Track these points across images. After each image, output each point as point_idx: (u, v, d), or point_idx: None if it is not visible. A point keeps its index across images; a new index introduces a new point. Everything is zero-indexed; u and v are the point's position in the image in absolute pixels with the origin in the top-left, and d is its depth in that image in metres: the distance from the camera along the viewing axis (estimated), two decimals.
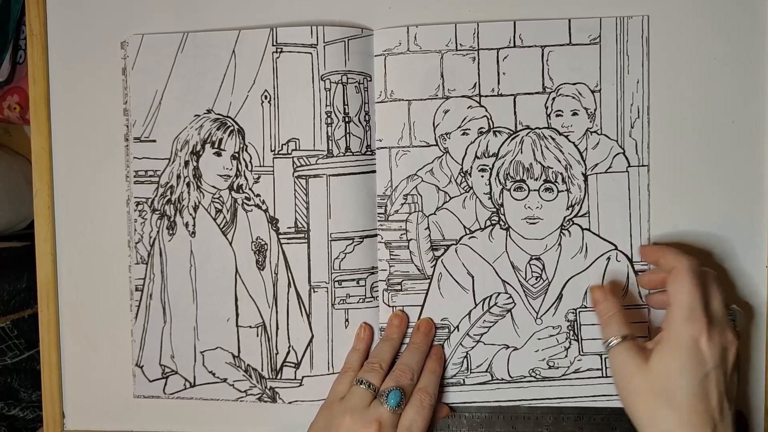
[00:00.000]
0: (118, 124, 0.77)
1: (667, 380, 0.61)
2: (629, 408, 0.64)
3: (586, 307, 0.73)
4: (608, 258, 0.73)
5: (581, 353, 0.73)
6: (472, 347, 0.75)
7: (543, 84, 0.73)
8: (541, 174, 0.73)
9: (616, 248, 0.73)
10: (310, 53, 0.74)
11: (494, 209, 0.74)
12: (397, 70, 0.75)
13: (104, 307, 0.79)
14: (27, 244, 0.93)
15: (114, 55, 0.78)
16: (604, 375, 0.73)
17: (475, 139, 0.74)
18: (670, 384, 0.61)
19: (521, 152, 0.73)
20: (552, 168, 0.73)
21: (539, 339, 0.74)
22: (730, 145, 0.73)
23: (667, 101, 0.73)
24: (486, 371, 0.75)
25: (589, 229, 0.73)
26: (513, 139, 0.73)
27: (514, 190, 0.73)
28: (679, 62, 0.73)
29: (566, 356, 0.74)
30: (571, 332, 0.73)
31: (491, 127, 0.74)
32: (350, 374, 0.72)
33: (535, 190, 0.73)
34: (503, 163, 0.74)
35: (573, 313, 0.73)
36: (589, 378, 0.74)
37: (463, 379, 0.75)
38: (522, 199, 0.73)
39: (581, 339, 0.73)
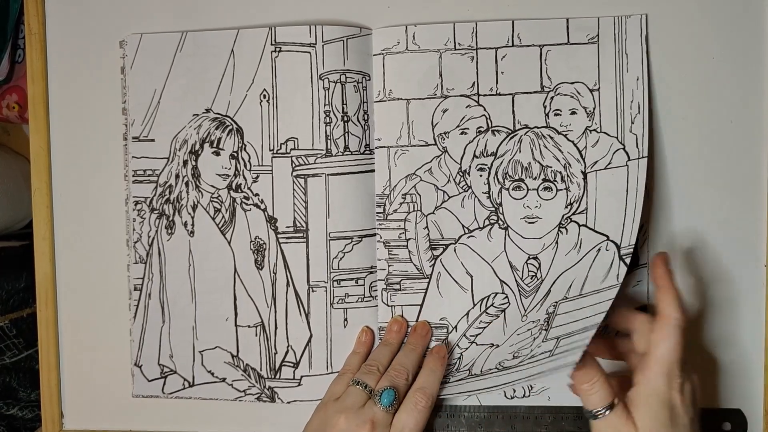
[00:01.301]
0: (117, 124, 0.77)
1: None
2: None
3: (567, 298, 0.72)
4: (598, 249, 0.73)
5: (544, 340, 0.72)
6: (467, 348, 0.75)
7: (541, 83, 0.73)
8: (540, 173, 0.73)
9: (608, 238, 0.72)
10: (309, 52, 0.74)
11: (493, 209, 0.74)
12: (396, 70, 0.75)
13: (103, 306, 0.79)
14: (26, 243, 0.93)
15: (113, 55, 0.78)
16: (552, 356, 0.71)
17: (474, 138, 0.74)
18: None
19: (520, 151, 0.73)
20: (551, 167, 0.73)
21: (518, 334, 0.73)
22: (729, 144, 0.73)
23: (666, 101, 0.73)
24: (466, 368, 0.75)
25: (585, 225, 0.73)
26: (511, 138, 0.73)
27: (513, 189, 0.73)
28: (677, 61, 0.73)
29: (530, 345, 0.73)
30: (545, 323, 0.73)
31: (490, 126, 0.74)
32: (348, 375, 0.72)
33: (533, 189, 0.73)
34: (502, 163, 0.74)
35: (554, 306, 0.73)
36: (540, 360, 0.71)
37: (449, 378, 0.75)
38: (521, 199, 0.73)
39: (550, 328, 0.72)
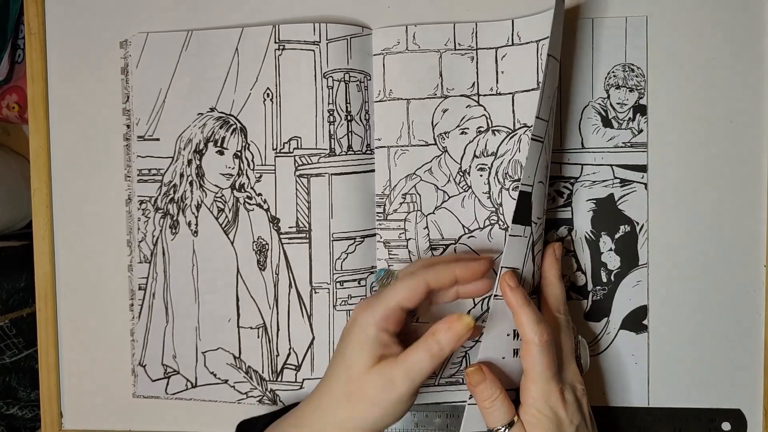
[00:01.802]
0: (117, 124, 0.77)
1: None
2: None
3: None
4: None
5: None
6: (471, 347, 0.75)
7: (537, 80, 0.72)
8: None
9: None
10: (313, 51, 0.74)
11: (493, 209, 0.74)
12: (396, 70, 0.74)
13: (103, 306, 0.79)
14: (25, 243, 0.93)
15: (113, 55, 0.78)
16: None
17: (474, 138, 0.74)
18: None
19: (519, 151, 0.73)
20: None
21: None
22: (729, 145, 0.73)
23: (666, 101, 0.73)
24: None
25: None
26: (511, 138, 0.73)
27: (513, 189, 0.73)
28: (677, 62, 0.73)
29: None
30: None
31: (490, 126, 0.74)
32: None
33: None
34: (502, 163, 0.74)
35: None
36: None
37: (462, 379, 0.75)
38: None
39: None
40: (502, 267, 0.62)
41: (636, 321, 0.74)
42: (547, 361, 0.61)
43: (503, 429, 0.61)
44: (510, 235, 0.61)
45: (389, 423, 0.62)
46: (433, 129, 0.74)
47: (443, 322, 0.61)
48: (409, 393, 0.61)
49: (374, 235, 0.75)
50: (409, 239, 0.75)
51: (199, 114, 0.76)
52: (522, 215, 0.63)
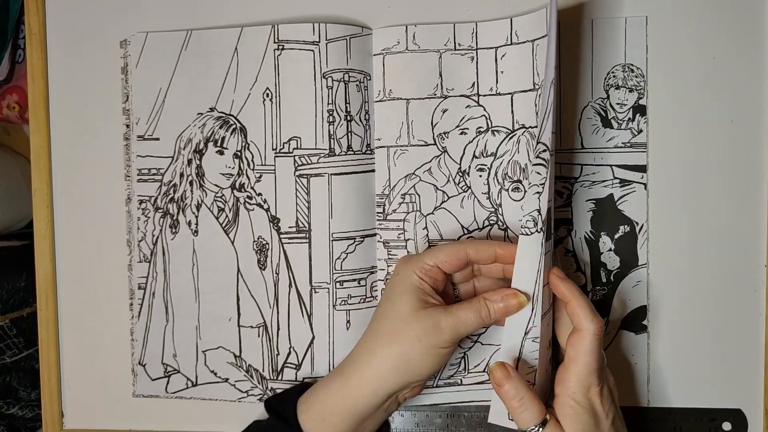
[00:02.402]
0: (117, 124, 0.77)
1: None
2: None
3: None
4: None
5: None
6: (470, 347, 0.75)
7: (533, 80, 0.72)
8: None
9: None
10: (312, 51, 0.74)
11: (493, 209, 0.74)
12: (396, 70, 0.75)
13: (103, 306, 0.79)
14: (26, 243, 0.93)
15: (113, 55, 0.78)
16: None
17: (474, 138, 0.74)
18: None
19: (518, 152, 0.73)
20: None
21: None
22: (729, 145, 0.73)
23: (666, 101, 0.73)
24: (483, 371, 0.75)
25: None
26: (510, 138, 0.73)
27: (512, 190, 0.73)
28: (677, 62, 0.73)
29: None
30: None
31: (489, 126, 0.74)
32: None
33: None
34: (501, 163, 0.73)
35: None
36: None
37: (461, 380, 0.75)
38: (519, 200, 0.73)
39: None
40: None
41: (636, 321, 0.75)
42: (597, 353, 0.62)
43: (536, 429, 0.61)
44: (544, 253, 0.61)
45: (426, 371, 0.64)
46: (432, 129, 0.74)
47: (497, 293, 0.63)
48: (452, 342, 0.63)
49: (374, 235, 0.75)
50: (408, 239, 0.75)
51: (198, 114, 0.76)
52: (549, 231, 0.64)
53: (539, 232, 0.61)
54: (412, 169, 0.75)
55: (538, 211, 0.61)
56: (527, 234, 0.61)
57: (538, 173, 0.61)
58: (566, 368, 0.63)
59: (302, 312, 0.75)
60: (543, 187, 0.61)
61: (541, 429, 0.61)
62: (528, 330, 0.63)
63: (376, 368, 0.64)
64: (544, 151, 0.61)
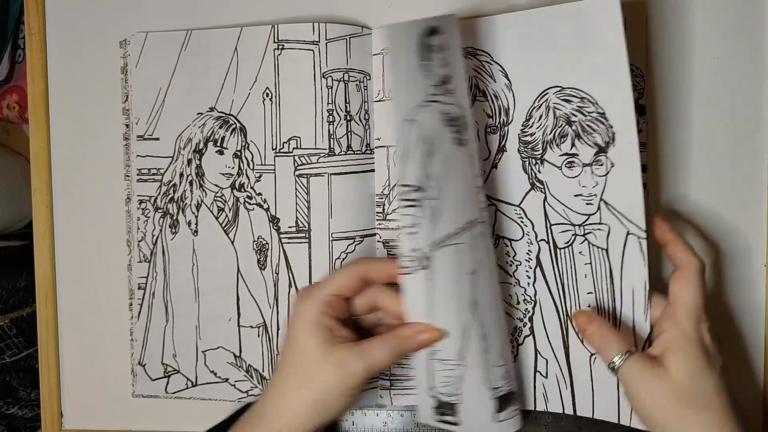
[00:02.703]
0: (117, 123, 0.77)
1: (693, 384, 0.60)
2: (656, 421, 0.61)
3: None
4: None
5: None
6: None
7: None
8: None
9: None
10: (312, 50, 0.74)
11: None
12: None
13: (103, 306, 0.79)
14: (26, 243, 0.93)
15: (113, 54, 0.78)
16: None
17: None
18: (696, 387, 0.60)
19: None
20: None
21: None
22: (730, 145, 0.73)
23: (666, 101, 0.73)
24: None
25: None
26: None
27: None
28: (677, 62, 0.73)
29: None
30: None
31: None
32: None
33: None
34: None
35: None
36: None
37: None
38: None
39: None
40: None
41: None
42: (702, 288, 0.63)
43: (622, 357, 0.62)
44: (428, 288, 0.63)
45: (342, 409, 0.63)
46: None
47: (410, 328, 0.63)
48: (365, 380, 0.62)
49: (374, 234, 0.75)
50: None
51: (198, 113, 0.76)
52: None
53: (421, 269, 0.62)
54: None
55: (415, 250, 0.62)
56: (407, 273, 0.63)
57: (406, 215, 0.62)
58: (674, 302, 0.63)
59: None
60: (417, 227, 0.62)
61: (625, 359, 0.62)
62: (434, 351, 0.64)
63: (292, 412, 0.62)
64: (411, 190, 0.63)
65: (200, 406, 0.78)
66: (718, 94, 0.73)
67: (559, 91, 0.70)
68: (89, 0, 0.78)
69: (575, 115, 0.69)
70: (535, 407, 0.73)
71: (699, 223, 0.74)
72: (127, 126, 0.77)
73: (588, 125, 0.69)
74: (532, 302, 0.72)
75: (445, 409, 0.65)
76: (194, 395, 0.77)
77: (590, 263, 0.70)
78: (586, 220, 0.70)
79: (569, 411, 0.72)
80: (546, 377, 0.73)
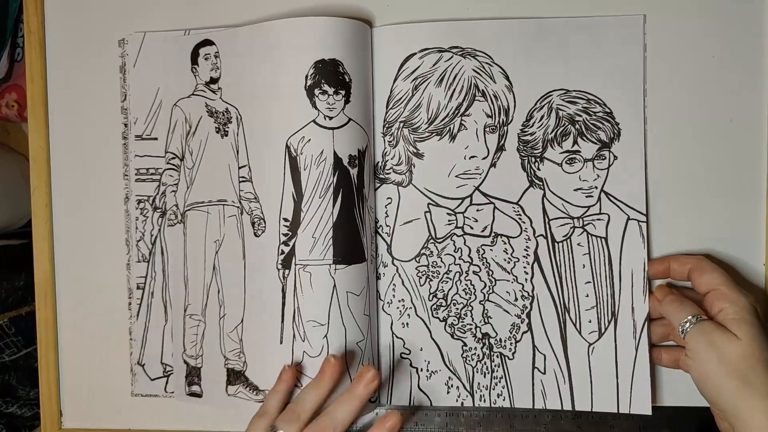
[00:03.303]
0: (116, 123, 0.77)
1: (760, 351, 0.61)
2: (718, 387, 0.62)
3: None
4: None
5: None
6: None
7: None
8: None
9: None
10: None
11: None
12: None
13: (102, 305, 0.79)
14: (25, 242, 0.93)
15: (112, 54, 0.78)
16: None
17: None
18: (762, 355, 0.61)
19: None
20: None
21: None
22: (729, 144, 0.73)
23: (666, 101, 0.73)
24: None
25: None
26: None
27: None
28: (676, 61, 0.73)
29: None
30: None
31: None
32: (266, 419, 0.67)
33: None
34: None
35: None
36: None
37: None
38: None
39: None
40: None
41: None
42: (720, 269, 0.67)
43: (692, 319, 0.65)
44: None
45: None
46: None
47: (360, 381, 0.65)
48: None
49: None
50: None
51: None
52: None
53: (178, 223, 0.73)
54: None
55: (175, 205, 0.74)
56: (170, 225, 0.74)
57: (170, 176, 0.75)
58: (715, 287, 0.66)
59: None
60: (176, 187, 0.74)
61: (695, 323, 0.64)
62: None
63: None
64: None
65: (200, 405, 0.78)
66: (718, 94, 0.73)
67: (564, 93, 0.71)
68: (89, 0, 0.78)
69: (580, 115, 0.70)
70: (533, 405, 0.73)
71: (699, 223, 0.74)
72: (126, 125, 0.77)
73: (593, 123, 0.70)
74: (530, 298, 0.73)
75: (193, 377, 0.72)
76: None
77: (588, 253, 0.72)
78: (585, 212, 0.71)
79: (568, 407, 0.72)
80: (544, 373, 0.73)
